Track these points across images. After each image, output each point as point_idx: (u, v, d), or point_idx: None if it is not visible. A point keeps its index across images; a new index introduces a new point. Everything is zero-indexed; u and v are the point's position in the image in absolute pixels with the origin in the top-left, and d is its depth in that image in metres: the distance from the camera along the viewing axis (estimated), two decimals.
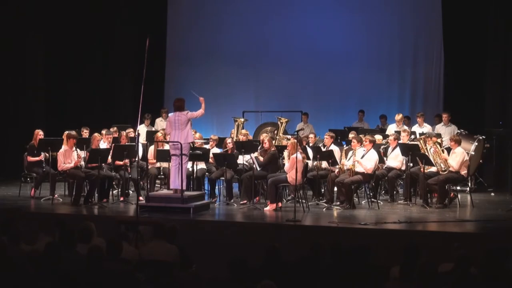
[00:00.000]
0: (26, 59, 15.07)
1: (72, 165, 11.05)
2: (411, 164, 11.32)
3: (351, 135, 12.01)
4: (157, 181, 12.35)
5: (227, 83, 16.44)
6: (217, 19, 16.56)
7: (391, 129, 13.46)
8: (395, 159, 11.52)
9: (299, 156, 10.49)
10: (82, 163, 11.23)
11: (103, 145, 11.81)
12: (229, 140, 11.87)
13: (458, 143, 11.14)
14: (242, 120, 13.94)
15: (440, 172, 10.96)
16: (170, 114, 10.74)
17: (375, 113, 14.79)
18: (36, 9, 15.07)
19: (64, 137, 11.26)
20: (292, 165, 10.53)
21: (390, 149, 11.74)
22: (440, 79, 15.33)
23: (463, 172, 11.02)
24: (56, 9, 15.25)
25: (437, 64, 15.34)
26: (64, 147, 11.13)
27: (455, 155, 10.97)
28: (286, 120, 13.95)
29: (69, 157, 11.12)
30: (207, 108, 14.59)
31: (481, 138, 12.88)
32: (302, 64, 15.98)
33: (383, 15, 15.70)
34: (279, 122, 13.88)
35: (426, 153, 11.07)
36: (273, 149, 11.41)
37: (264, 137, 11.52)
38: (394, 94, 15.74)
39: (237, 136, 13.06)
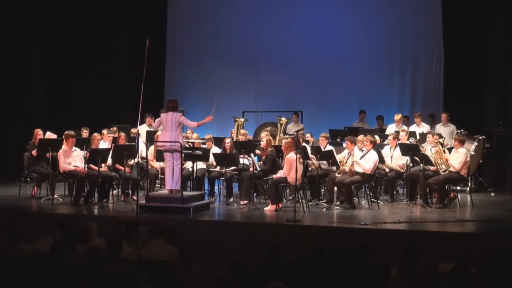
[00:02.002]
0: (26, 59, 15.06)
1: (72, 167, 11.06)
2: (411, 164, 11.32)
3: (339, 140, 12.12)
4: (157, 181, 12.33)
5: (227, 83, 16.43)
6: (217, 19, 16.56)
7: (391, 129, 13.46)
8: (400, 158, 11.51)
9: (294, 155, 10.49)
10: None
11: (104, 144, 11.82)
12: (227, 140, 11.82)
13: (462, 143, 11.12)
14: (242, 120, 13.93)
15: (440, 172, 10.96)
16: (162, 114, 10.68)
17: (375, 113, 14.79)
18: (37, 10, 15.07)
19: (63, 137, 11.28)
20: (289, 166, 10.53)
21: (391, 149, 11.72)
22: (440, 79, 15.33)
23: (463, 172, 11.02)
24: (56, 9, 15.25)
25: (437, 64, 15.34)
26: (64, 147, 11.15)
27: (458, 155, 10.95)
28: (286, 120, 13.95)
29: (69, 156, 11.14)
30: (207, 107, 14.56)
31: (481, 138, 12.88)
32: (302, 64, 15.98)
33: (383, 15, 15.70)
34: (278, 124, 13.87)
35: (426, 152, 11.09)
36: (270, 149, 11.41)
37: (265, 135, 11.55)
38: (394, 94, 15.75)
39: (237, 136, 13.05)
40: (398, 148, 11.55)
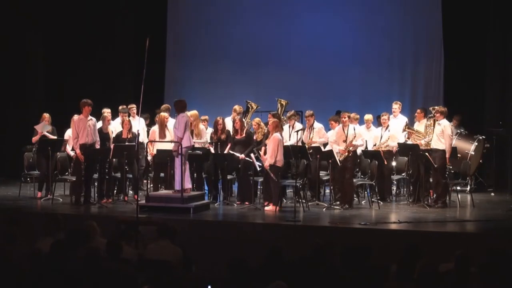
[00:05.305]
0: (26, 59, 15.06)
1: (88, 140, 10.83)
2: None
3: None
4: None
5: (227, 83, 16.40)
6: (217, 19, 16.54)
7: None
8: (392, 139, 11.65)
9: (280, 136, 10.52)
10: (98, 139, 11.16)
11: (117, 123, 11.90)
12: (220, 121, 11.73)
13: (444, 114, 11.17)
14: (255, 106, 13.66)
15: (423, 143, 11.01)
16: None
17: (375, 112, 14.77)
18: (36, 9, 15.07)
19: (80, 105, 11.01)
20: (276, 146, 10.49)
21: (382, 129, 11.98)
22: (440, 79, 15.29)
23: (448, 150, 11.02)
24: (56, 9, 15.25)
25: (437, 63, 15.30)
26: (78, 116, 10.92)
27: (443, 128, 10.98)
28: (286, 101, 13.79)
29: (84, 127, 10.89)
30: (207, 108, 14.49)
31: (481, 138, 12.88)
32: (302, 64, 15.95)
33: (383, 15, 15.67)
34: (278, 104, 13.64)
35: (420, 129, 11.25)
36: (245, 128, 11.49)
37: (235, 116, 11.62)
38: (394, 94, 15.71)
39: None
40: (389, 129, 11.79)
